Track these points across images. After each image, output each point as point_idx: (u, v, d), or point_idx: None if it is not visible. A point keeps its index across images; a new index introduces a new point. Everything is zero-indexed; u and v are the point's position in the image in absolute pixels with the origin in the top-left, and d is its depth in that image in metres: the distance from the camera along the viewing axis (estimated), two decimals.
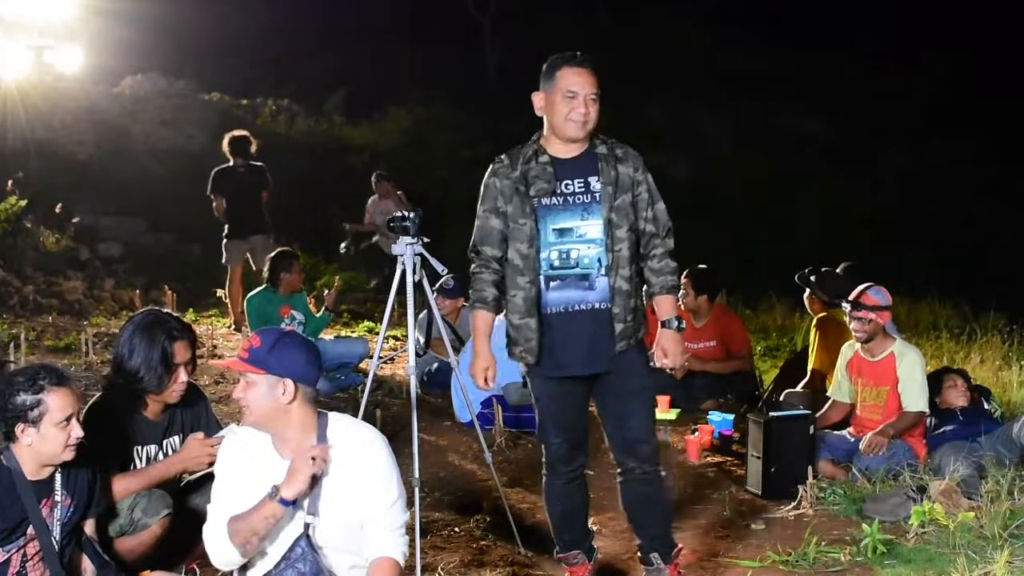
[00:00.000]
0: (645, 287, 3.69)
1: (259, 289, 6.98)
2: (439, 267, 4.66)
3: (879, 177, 17.25)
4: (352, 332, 9.34)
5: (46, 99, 13.70)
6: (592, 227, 3.51)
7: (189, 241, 12.48)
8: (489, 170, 3.62)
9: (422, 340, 5.38)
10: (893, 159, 17.50)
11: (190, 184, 13.35)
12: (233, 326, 8.84)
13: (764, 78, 19.05)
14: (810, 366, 6.29)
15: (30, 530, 3.05)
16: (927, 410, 5.16)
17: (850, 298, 5.31)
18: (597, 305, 3.53)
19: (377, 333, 7.11)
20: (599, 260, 3.51)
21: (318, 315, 7.25)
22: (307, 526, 2.88)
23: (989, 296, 9.84)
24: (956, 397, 5.39)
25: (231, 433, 3.58)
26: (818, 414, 5.38)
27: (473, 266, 3.64)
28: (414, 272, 4.53)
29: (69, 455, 3.04)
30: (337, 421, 3.00)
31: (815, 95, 18.70)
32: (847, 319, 5.39)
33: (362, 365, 7.24)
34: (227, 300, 9.12)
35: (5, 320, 8.53)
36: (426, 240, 4.63)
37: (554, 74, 3.53)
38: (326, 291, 7.45)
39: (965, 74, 18.36)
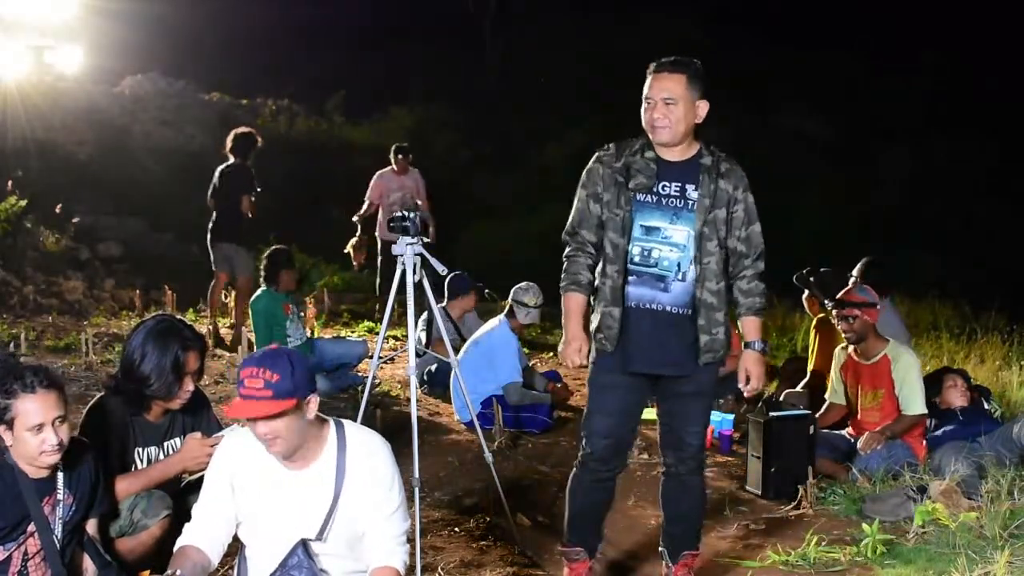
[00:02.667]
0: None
1: (261, 291, 6.95)
2: (439, 267, 4.67)
3: (879, 177, 17.25)
4: (352, 332, 9.35)
5: (46, 99, 13.70)
6: (678, 232, 3.52)
7: (189, 241, 12.45)
8: (595, 156, 3.65)
9: (424, 338, 5.39)
10: (893, 159, 17.50)
11: (190, 184, 13.36)
12: (213, 339, 8.13)
13: (764, 78, 19.05)
14: (810, 367, 6.29)
15: (31, 527, 3.05)
16: (926, 412, 5.16)
17: (836, 298, 5.33)
18: (669, 308, 3.54)
19: (377, 333, 7.11)
20: (678, 265, 3.52)
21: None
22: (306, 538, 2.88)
23: (989, 296, 9.85)
24: (956, 397, 5.40)
25: (232, 432, 3.61)
26: (816, 415, 5.39)
27: (568, 249, 3.64)
28: (414, 272, 4.54)
29: (48, 460, 3.00)
30: (351, 438, 2.96)
31: (815, 95, 18.70)
32: (833, 320, 5.40)
33: (362, 365, 7.24)
34: (207, 305, 8.72)
35: (5, 320, 8.53)
36: (426, 240, 4.63)
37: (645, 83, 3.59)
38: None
39: (965, 74, 18.36)
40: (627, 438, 3.75)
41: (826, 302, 5.59)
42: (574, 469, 3.78)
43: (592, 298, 3.63)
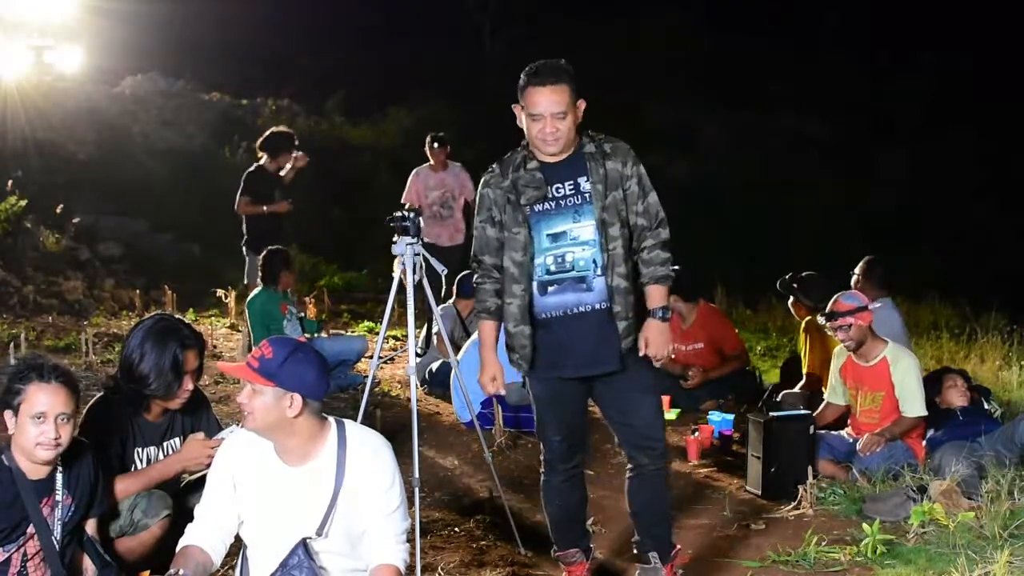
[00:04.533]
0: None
1: (258, 290, 6.95)
2: (439, 267, 4.68)
3: (879, 177, 17.25)
4: (352, 332, 9.34)
5: (46, 99, 13.69)
6: (584, 228, 3.52)
7: (189, 241, 12.48)
8: (483, 180, 3.65)
9: (445, 332, 5.38)
10: (893, 159, 17.50)
11: (190, 184, 13.40)
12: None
13: (763, 78, 19.06)
14: (804, 369, 6.27)
15: (30, 529, 3.05)
16: (925, 414, 5.16)
17: (825, 311, 5.33)
18: (597, 306, 3.54)
19: (377, 333, 7.11)
20: (594, 261, 3.52)
21: (311, 320, 7.30)
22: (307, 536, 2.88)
23: (989, 296, 9.84)
24: (956, 397, 5.39)
25: (232, 433, 3.62)
26: (814, 414, 5.41)
27: (476, 276, 3.67)
28: (414, 272, 4.54)
29: (42, 454, 3.01)
30: (352, 437, 2.98)
31: (815, 95, 18.69)
32: (829, 332, 5.40)
33: (362, 365, 7.24)
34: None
35: (5, 320, 8.53)
36: (426, 240, 4.64)
37: (522, 92, 3.52)
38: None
39: (965, 74, 18.37)
40: (580, 434, 3.79)
41: (821, 310, 5.58)
42: (541, 476, 3.82)
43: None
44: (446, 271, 4.86)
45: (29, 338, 7.72)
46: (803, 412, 5.24)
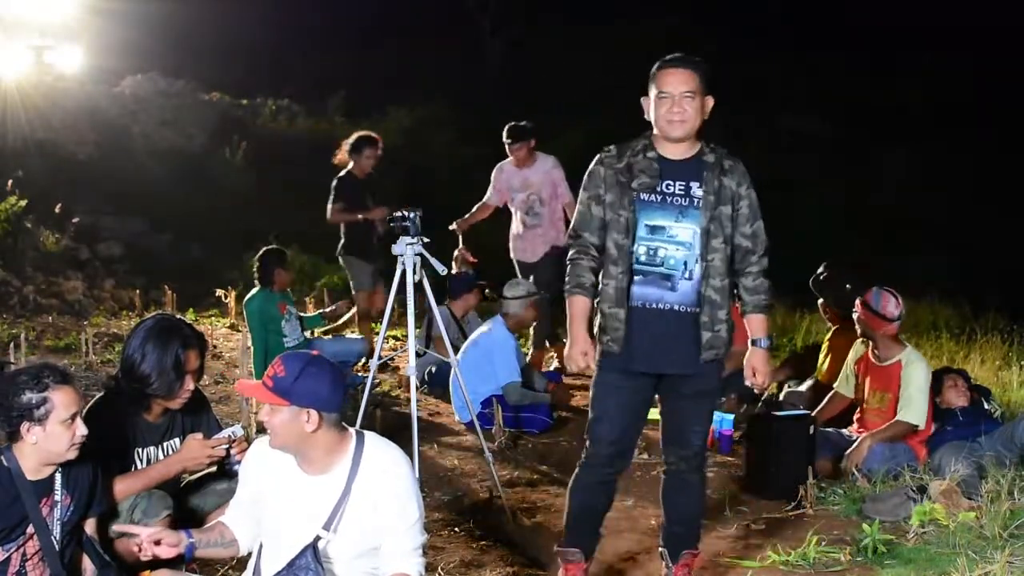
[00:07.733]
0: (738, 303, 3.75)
1: (255, 291, 6.93)
2: (439, 267, 4.68)
3: (879, 177, 17.24)
4: (352, 332, 9.34)
5: (46, 99, 13.69)
6: (684, 230, 3.52)
7: (189, 241, 12.48)
8: (596, 158, 3.65)
9: (444, 337, 5.39)
10: (893, 159, 17.49)
11: (190, 184, 13.40)
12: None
13: (764, 78, 19.06)
14: (818, 375, 6.20)
15: (29, 529, 3.05)
16: (920, 425, 5.14)
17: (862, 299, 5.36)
18: (676, 307, 3.55)
19: (377, 333, 7.11)
20: (685, 263, 3.53)
21: (310, 315, 7.32)
22: (317, 538, 2.89)
23: (989, 296, 9.84)
24: (956, 397, 5.39)
25: (232, 433, 3.64)
26: (818, 407, 5.47)
27: (571, 251, 3.65)
28: (414, 272, 4.55)
29: (74, 453, 3.05)
30: (370, 443, 3.00)
31: (815, 95, 18.69)
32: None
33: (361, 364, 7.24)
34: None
35: (5, 320, 8.53)
36: (426, 240, 4.65)
37: (652, 77, 3.57)
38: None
39: (966, 74, 18.36)
40: (632, 440, 3.74)
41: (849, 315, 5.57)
42: (576, 469, 3.77)
43: (595, 300, 3.62)
44: (446, 271, 4.86)
45: (29, 338, 7.72)
46: (803, 412, 5.25)
